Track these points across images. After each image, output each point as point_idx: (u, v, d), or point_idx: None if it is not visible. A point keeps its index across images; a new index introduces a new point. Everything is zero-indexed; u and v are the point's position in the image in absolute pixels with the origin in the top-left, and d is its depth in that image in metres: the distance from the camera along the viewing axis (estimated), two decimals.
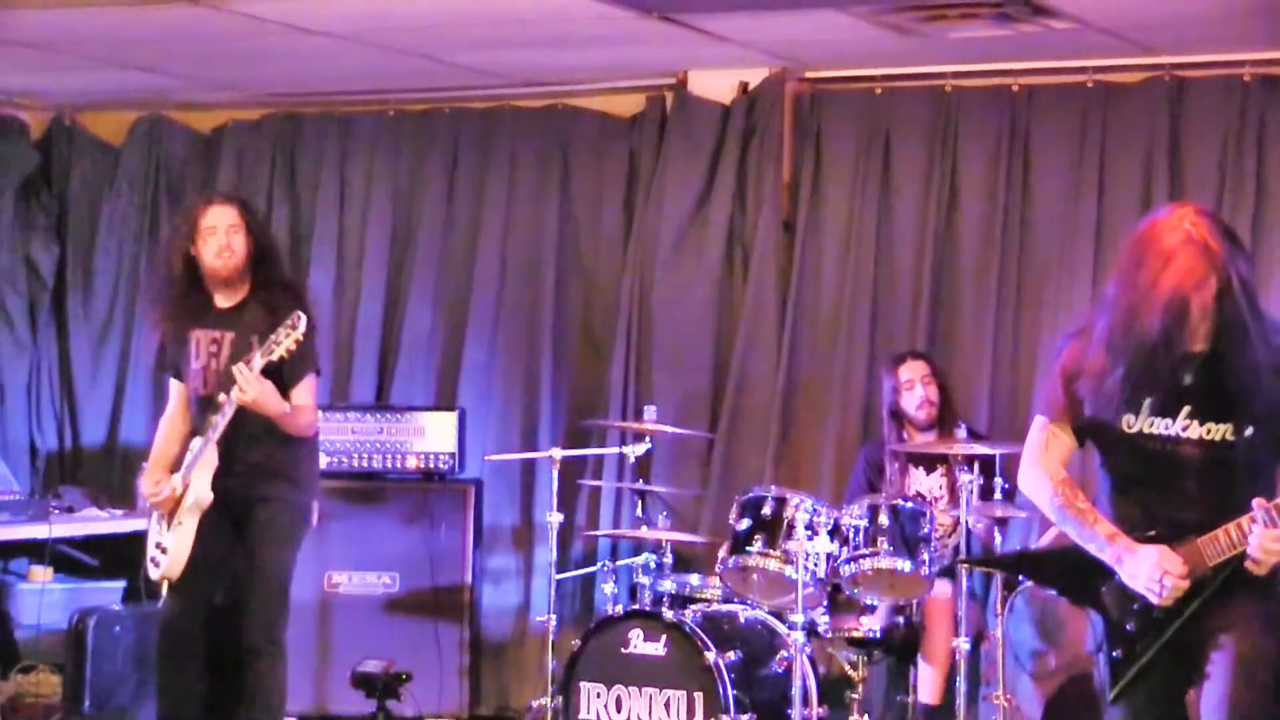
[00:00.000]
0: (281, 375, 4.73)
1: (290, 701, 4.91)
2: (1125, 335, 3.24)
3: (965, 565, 4.98)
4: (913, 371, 5.60)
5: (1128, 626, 3.33)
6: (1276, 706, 3.28)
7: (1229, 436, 3.30)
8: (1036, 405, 3.48)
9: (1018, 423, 5.34)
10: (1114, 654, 3.35)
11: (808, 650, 5.04)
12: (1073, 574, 3.40)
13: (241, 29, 5.45)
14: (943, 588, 5.28)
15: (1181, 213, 3.32)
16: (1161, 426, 3.31)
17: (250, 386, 4.61)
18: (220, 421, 4.68)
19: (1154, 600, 3.26)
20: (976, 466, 5.13)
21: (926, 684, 5.31)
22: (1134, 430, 3.33)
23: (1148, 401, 3.31)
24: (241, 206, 4.91)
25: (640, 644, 5.07)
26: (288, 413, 4.74)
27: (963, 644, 5.02)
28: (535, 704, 5.63)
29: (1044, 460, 3.40)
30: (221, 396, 4.69)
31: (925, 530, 5.12)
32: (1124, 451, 3.35)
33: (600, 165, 6.42)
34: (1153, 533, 3.30)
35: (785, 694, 5.02)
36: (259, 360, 4.64)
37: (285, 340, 4.62)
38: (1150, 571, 3.25)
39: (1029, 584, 4.93)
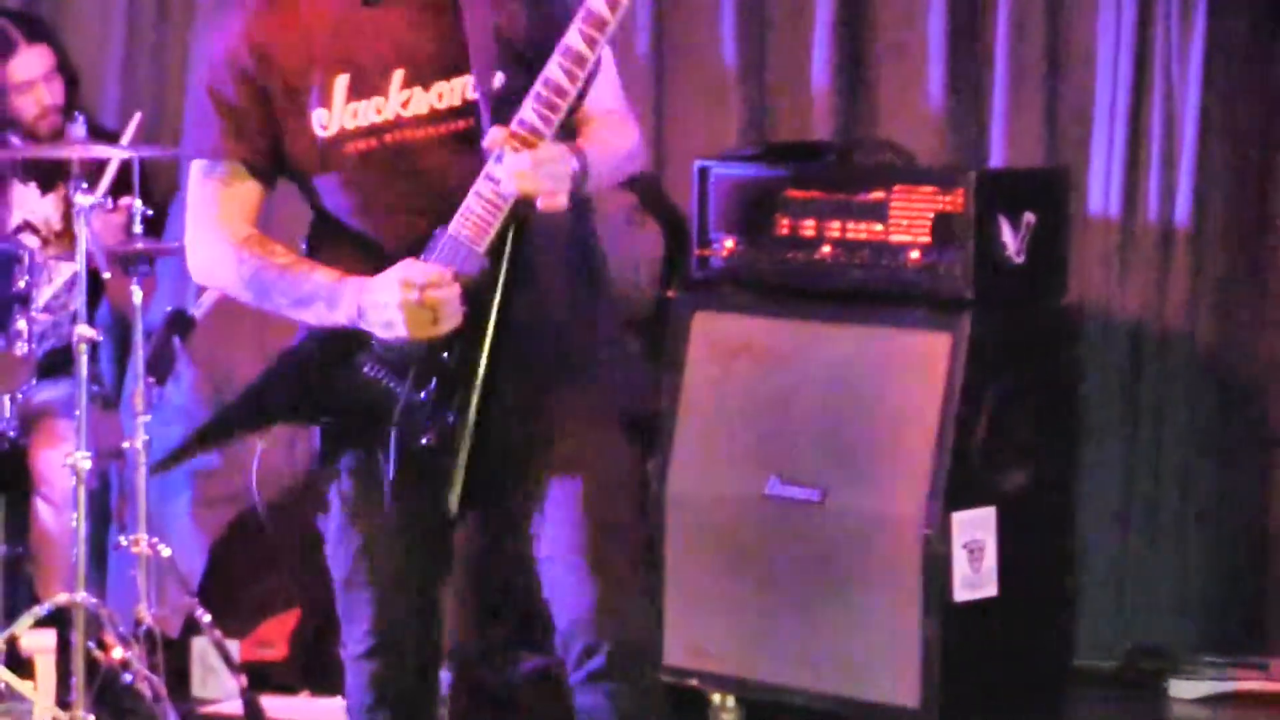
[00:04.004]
0: None
1: None
2: None
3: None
4: (32, 66, 4.87)
5: (420, 396, 3.05)
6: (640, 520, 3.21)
7: (470, 94, 3.09)
8: (185, 146, 3.21)
9: (171, 116, 5.10)
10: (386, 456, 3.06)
11: None
12: (304, 388, 3.13)
13: None
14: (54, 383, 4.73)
15: None
16: (371, 113, 3.07)
17: None
18: None
19: (423, 331, 3.00)
20: (106, 179, 4.59)
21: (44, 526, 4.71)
22: (332, 132, 3.08)
23: (342, 82, 3.06)
24: None
25: None
26: None
27: (82, 462, 4.36)
28: None
29: (221, 223, 3.13)
30: None
31: (24, 284, 4.51)
32: (333, 175, 3.09)
33: None
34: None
35: None
36: None
37: None
38: (395, 292, 2.99)
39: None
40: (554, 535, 3.12)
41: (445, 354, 3.05)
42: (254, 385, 3.19)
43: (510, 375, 3.08)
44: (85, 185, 4.40)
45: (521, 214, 3.04)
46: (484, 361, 3.07)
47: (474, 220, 3.07)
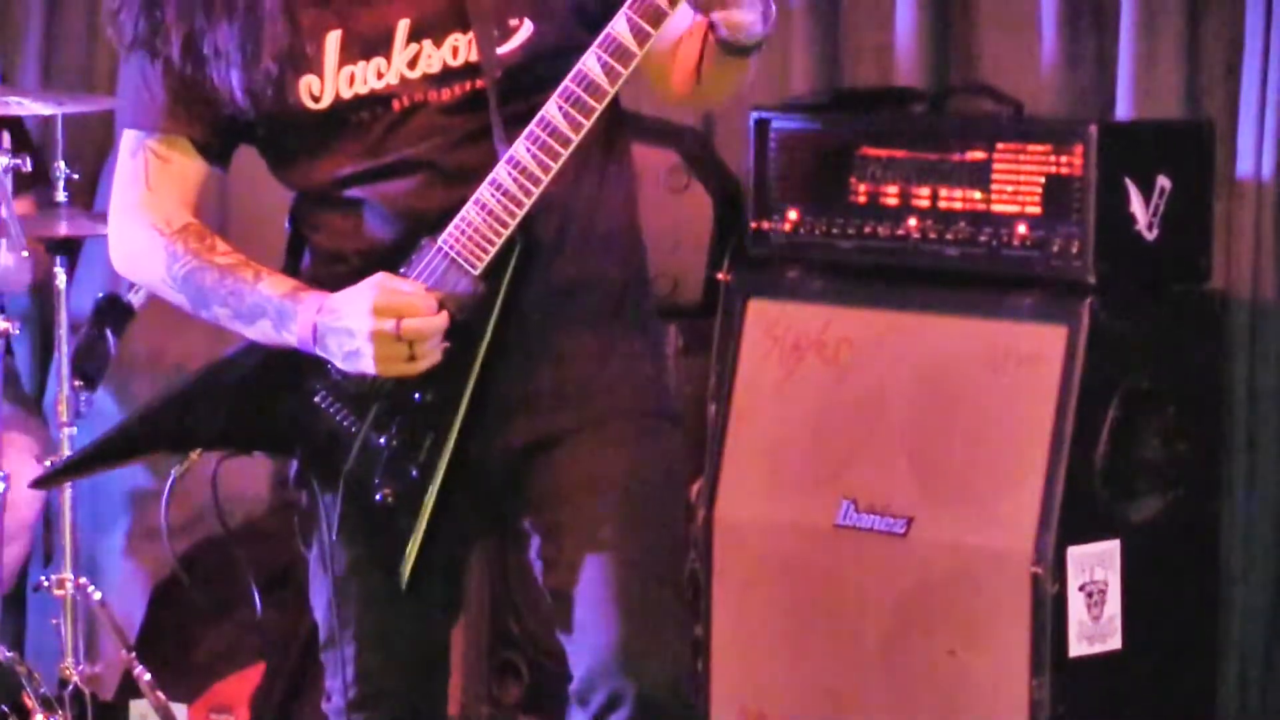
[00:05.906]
0: None
1: None
2: None
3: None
4: None
5: (379, 441, 3.02)
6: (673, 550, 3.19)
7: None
8: (119, 115, 3.15)
9: (103, 63, 5.11)
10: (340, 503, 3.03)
11: None
12: (237, 411, 3.08)
13: None
14: None
15: None
16: (372, 75, 3.04)
17: None
18: None
19: (394, 369, 3.01)
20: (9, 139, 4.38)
21: None
22: (325, 103, 3.04)
23: (334, 40, 3.01)
24: None
25: None
26: None
27: None
28: None
29: (148, 205, 3.07)
30: None
31: None
32: (322, 157, 3.04)
33: None
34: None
35: None
36: None
37: None
38: (366, 319, 2.94)
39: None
40: (572, 563, 3.06)
41: (418, 394, 2.95)
42: (174, 396, 3.12)
43: (500, 414, 3.00)
44: None
45: (530, 230, 2.97)
46: (464, 408, 2.96)
47: (471, 234, 2.97)
